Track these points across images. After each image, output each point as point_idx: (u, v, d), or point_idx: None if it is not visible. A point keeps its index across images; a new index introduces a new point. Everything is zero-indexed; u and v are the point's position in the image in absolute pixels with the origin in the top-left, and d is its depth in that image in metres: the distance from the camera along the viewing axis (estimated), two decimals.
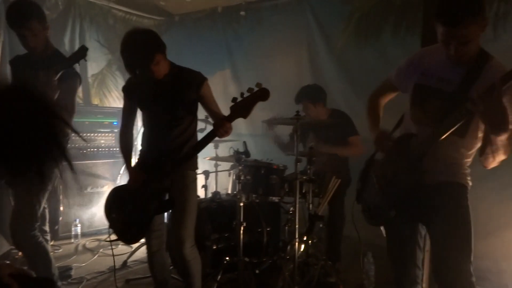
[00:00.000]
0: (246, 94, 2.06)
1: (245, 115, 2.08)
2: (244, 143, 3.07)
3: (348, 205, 3.39)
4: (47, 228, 2.78)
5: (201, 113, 2.47)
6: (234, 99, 2.09)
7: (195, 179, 2.41)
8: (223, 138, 3.43)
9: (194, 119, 2.42)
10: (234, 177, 3.35)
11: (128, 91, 2.42)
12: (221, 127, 2.11)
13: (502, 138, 1.63)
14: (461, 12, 1.57)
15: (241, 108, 2.07)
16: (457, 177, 1.86)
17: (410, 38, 3.77)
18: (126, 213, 2.32)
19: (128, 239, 2.36)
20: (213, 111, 2.36)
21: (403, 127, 2.01)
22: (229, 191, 3.96)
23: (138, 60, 2.10)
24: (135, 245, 3.62)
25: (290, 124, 3.04)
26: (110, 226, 2.36)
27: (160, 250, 2.48)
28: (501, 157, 1.72)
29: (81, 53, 2.29)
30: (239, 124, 4.88)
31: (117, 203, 2.38)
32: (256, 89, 2.05)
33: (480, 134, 1.80)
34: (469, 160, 1.89)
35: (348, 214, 3.38)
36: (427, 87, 1.82)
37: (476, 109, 1.57)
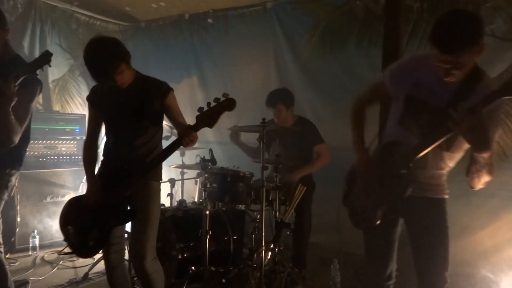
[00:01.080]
0: (212, 104, 2.05)
1: (211, 125, 2.07)
2: (210, 150, 3.05)
3: (316, 212, 3.44)
4: (0, 240, 2.65)
5: (167, 119, 2.44)
6: (200, 109, 2.07)
7: (158, 190, 2.37)
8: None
9: (159, 130, 2.40)
10: (200, 185, 3.32)
11: (92, 100, 2.39)
12: (186, 136, 2.08)
13: (484, 156, 1.62)
14: (458, 40, 1.51)
15: (207, 117, 2.06)
16: (441, 193, 1.90)
17: (373, 50, 3.89)
18: (82, 226, 2.25)
19: (84, 253, 2.28)
20: (178, 122, 2.33)
21: (385, 131, 1.98)
22: (196, 199, 3.93)
23: (101, 70, 2.07)
24: (97, 256, 3.49)
25: (255, 131, 3.06)
26: (65, 239, 2.28)
27: (120, 264, 2.41)
28: (485, 177, 1.70)
29: (45, 59, 2.20)
30: (206, 131, 4.74)
31: (73, 214, 2.30)
32: (222, 99, 2.04)
33: (467, 146, 1.78)
34: (448, 171, 1.91)
35: (316, 221, 3.43)
36: (418, 100, 1.79)
37: (456, 127, 1.55)
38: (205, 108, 2.06)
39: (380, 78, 1.93)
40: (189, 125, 2.12)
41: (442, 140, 1.68)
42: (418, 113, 1.80)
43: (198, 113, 2.08)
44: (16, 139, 2.28)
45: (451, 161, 1.88)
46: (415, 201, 1.86)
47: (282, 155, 3.20)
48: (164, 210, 3.25)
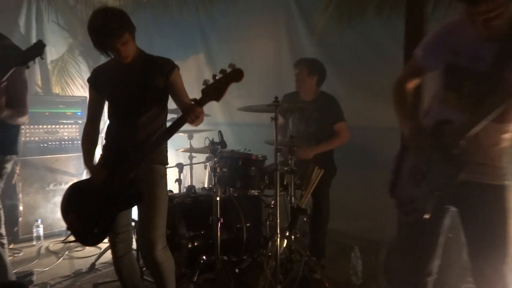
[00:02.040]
0: (218, 76, 2.04)
1: (217, 98, 2.06)
2: (220, 132, 3.03)
3: (335, 196, 3.42)
4: (3, 230, 2.68)
5: (172, 103, 2.42)
6: (205, 82, 2.07)
7: (164, 174, 2.37)
8: (198, 128, 3.42)
9: (164, 110, 2.39)
10: (210, 169, 3.31)
11: (93, 82, 2.40)
12: (192, 112, 2.08)
13: None
14: None
15: (213, 90, 2.05)
16: (501, 179, 1.77)
17: (394, 19, 3.76)
18: (85, 212, 2.24)
19: (88, 241, 2.30)
20: (182, 102, 2.33)
21: (430, 114, 1.91)
22: (205, 185, 3.94)
23: (106, 36, 2.13)
24: (104, 246, 3.53)
25: (267, 111, 3.02)
26: (68, 228, 2.29)
27: (127, 254, 2.42)
28: None
29: (37, 50, 2.18)
30: (215, 112, 4.90)
31: (75, 201, 2.30)
32: (229, 70, 2.03)
33: None
34: (507, 146, 1.80)
35: (334, 206, 3.41)
36: (459, 68, 1.72)
37: None
38: (211, 81, 2.06)
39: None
40: (194, 99, 2.11)
41: (496, 111, 1.59)
42: (462, 84, 1.72)
43: (204, 86, 2.07)
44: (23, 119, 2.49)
45: (506, 134, 1.77)
46: (470, 187, 1.76)
47: (300, 133, 3.18)
48: (172, 196, 3.26)
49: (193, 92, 2.37)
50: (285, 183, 3.05)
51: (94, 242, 2.29)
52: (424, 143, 1.80)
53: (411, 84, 2.00)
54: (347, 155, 3.62)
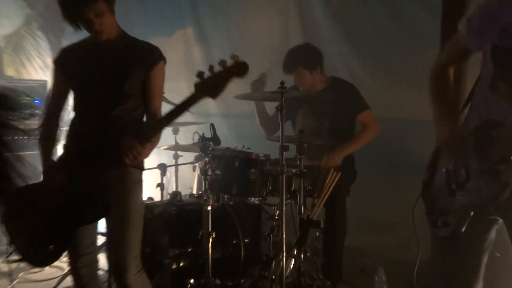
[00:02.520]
0: (217, 69, 2.04)
1: (214, 95, 2.07)
2: (212, 126, 3.01)
3: (353, 206, 3.43)
4: None
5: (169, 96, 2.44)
6: (200, 74, 2.06)
7: (140, 180, 2.38)
8: (185, 120, 3.43)
9: (142, 104, 2.41)
10: (199, 172, 3.30)
11: (61, 64, 2.42)
12: (128, 148, 2.11)
13: None
14: None
15: (210, 86, 2.05)
16: None
17: None
18: (36, 225, 2.22)
19: (38, 261, 2.29)
20: (149, 107, 2.36)
21: (476, 107, 1.89)
22: (194, 191, 3.92)
23: (76, 3, 2.14)
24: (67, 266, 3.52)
25: (272, 100, 3.01)
26: (11, 242, 2.25)
27: (93, 281, 2.42)
28: None
29: None
30: (206, 101, 4.86)
31: (21, 209, 2.25)
32: (231, 62, 2.02)
33: None
34: None
35: (353, 218, 3.41)
36: (509, 51, 1.70)
37: None
38: (207, 74, 2.06)
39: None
40: (159, 121, 2.19)
41: None
42: None
43: (197, 79, 2.06)
44: None
45: None
46: None
47: (311, 129, 3.19)
48: (152, 205, 3.24)
49: (180, 75, 2.38)
50: (292, 189, 3.04)
51: (45, 263, 2.28)
52: (465, 151, 1.81)
53: (453, 70, 2.02)
54: (369, 154, 3.61)
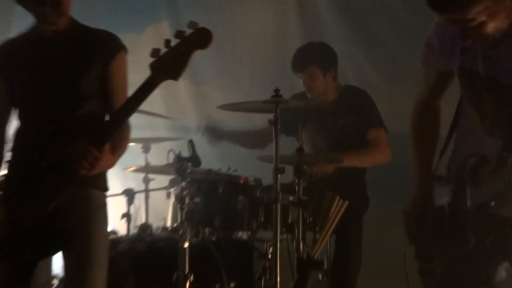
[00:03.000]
0: (174, 42, 2.04)
1: (176, 75, 2.05)
2: (191, 143, 3.02)
3: (365, 241, 3.45)
4: None
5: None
6: (154, 52, 2.05)
7: (104, 205, 2.37)
8: (157, 135, 3.42)
9: (103, 108, 2.42)
10: (175, 199, 3.30)
11: (1, 65, 2.40)
12: (82, 154, 2.08)
13: None
14: None
15: (169, 63, 2.05)
16: None
17: None
18: None
19: None
20: (113, 105, 2.35)
21: (459, 136, 2.03)
22: (168, 223, 3.91)
23: None
24: None
25: (264, 111, 3.02)
26: None
27: None
28: None
29: None
30: (184, 112, 4.90)
31: None
32: (189, 31, 2.02)
33: None
34: None
35: (366, 257, 3.41)
36: (474, 74, 1.84)
37: None
38: (163, 51, 2.06)
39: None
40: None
41: None
42: (482, 94, 1.81)
43: (152, 59, 2.07)
44: None
45: None
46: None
47: (316, 149, 3.27)
48: (116, 240, 3.23)
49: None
50: (289, 221, 3.04)
51: None
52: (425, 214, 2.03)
53: (438, 102, 2.13)
54: (384, 178, 3.63)
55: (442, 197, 2.08)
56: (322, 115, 3.52)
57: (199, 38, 2.04)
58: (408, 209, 2.19)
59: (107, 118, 2.42)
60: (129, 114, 2.15)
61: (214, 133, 3.72)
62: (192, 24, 2.03)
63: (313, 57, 3.53)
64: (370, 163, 3.47)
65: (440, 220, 2.01)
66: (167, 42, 2.04)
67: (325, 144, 3.52)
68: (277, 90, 2.87)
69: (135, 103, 2.12)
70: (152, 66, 2.08)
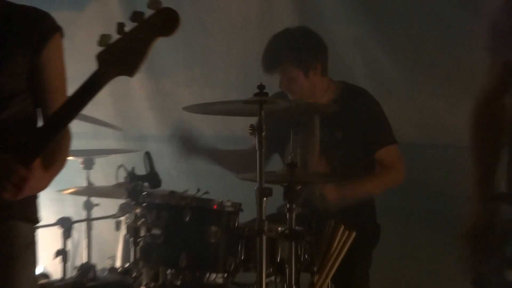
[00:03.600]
0: (130, 27, 1.99)
1: (130, 69, 2.02)
2: (148, 156, 3.01)
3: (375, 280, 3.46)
4: None
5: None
6: (102, 40, 2.02)
7: (31, 243, 2.35)
8: (103, 146, 3.39)
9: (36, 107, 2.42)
10: (126, 231, 3.28)
11: None
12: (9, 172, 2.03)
13: None
14: None
15: (121, 54, 2.03)
16: None
17: None
18: None
19: None
20: (51, 107, 2.33)
21: None
22: (118, 263, 3.88)
23: None
24: None
25: (245, 114, 3.03)
26: None
27: None
28: None
29: None
30: (138, 113, 4.95)
31: None
32: (149, 12, 1.98)
33: None
34: None
35: None
36: None
37: None
38: (114, 37, 2.02)
39: None
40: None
41: None
42: None
43: (101, 48, 2.03)
44: None
45: None
46: None
47: (309, 166, 3.22)
48: (49, 285, 3.18)
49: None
50: (278, 260, 3.05)
51: None
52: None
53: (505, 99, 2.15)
54: (396, 199, 3.64)
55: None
56: (310, 122, 3.51)
57: (163, 21, 2.00)
58: (466, 230, 2.21)
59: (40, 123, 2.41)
60: (68, 120, 2.12)
61: (190, 146, 3.71)
62: (153, 3, 1.99)
63: (287, 51, 3.53)
64: (381, 189, 3.52)
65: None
66: (120, 26, 2.01)
67: (322, 162, 3.51)
68: (261, 87, 2.87)
69: (76, 106, 2.09)
70: (100, 58, 2.05)
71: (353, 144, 3.49)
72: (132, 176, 3.03)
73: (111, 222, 4.00)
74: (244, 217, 3.23)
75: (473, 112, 2.19)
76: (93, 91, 2.05)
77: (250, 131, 2.88)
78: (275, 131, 3.40)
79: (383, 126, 3.52)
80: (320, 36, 3.62)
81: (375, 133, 3.49)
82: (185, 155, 3.75)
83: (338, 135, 3.48)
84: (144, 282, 2.96)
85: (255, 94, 2.85)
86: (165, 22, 2.01)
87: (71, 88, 2.34)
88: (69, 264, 3.84)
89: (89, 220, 4.16)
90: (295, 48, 3.55)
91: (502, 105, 2.16)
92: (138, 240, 2.98)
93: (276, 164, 3.64)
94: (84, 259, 3.97)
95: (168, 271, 3.10)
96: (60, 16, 2.60)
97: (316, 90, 3.55)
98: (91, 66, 2.37)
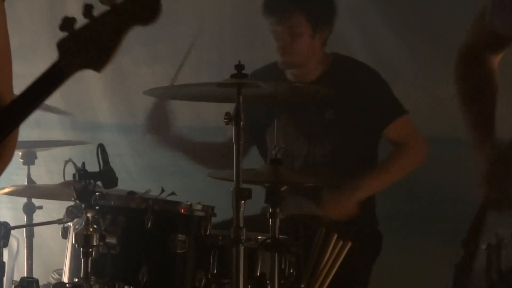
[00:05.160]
0: (101, 11, 1.96)
1: (99, 64, 1.97)
2: (101, 148, 3.02)
3: None
4: None
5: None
6: (66, 23, 2.01)
7: None
8: (47, 137, 3.38)
9: None
10: (74, 240, 3.27)
11: None
12: None
13: None
14: None
15: (87, 44, 2.02)
16: None
17: None
18: None
19: None
20: None
21: None
22: (65, 278, 3.88)
23: None
24: None
25: (220, 100, 3.04)
26: None
27: None
28: None
29: None
30: (90, 97, 4.94)
31: None
32: None
33: None
34: None
35: None
36: None
37: None
38: (80, 23, 2.00)
39: None
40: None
41: None
42: None
43: (63, 34, 2.04)
44: None
45: None
46: None
47: (297, 157, 3.31)
48: None
49: (41, 50, 2.33)
50: (258, 274, 3.06)
51: None
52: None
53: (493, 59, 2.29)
54: (399, 202, 3.67)
55: None
56: (298, 106, 3.56)
57: (140, 6, 1.98)
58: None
59: None
60: (14, 124, 2.11)
61: (165, 132, 3.71)
62: None
63: (301, 2, 3.57)
64: (404, 173, 3.55)
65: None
66: (88, 9, 1.97)
67: (311, 150, 3.57)
68: (239, 67, 2.87)
69: (27, 107, 2.08)
70: (61, 47, 2.02)
71: (350, 124, 3.53)
72: (82, 173, 3.02)
73: (57, 229, 3.99)
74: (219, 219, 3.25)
75: (457, 61, 2.38)
76: (50, 87, 2.03)
77: (226, 120, 2.88)
78: (254, 119, 3.41)
79: (387, 97, 3.56)
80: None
81: (379, 106, 3.54)
82: (161, 143, 3.76)
83: (328, 115, 3.51)
84: None
85: (232, 76, 2.85)
86: (143, 6, 2.00)
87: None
88: (6, 278, 3.82)
89: (30, 226, 4.14)
90: (312, 3, 3.60)
91: (492, 61, 2.33)
92: (89, 250, 2.97)
93: (255, 159, 3.64)
94: (24, 273, 3.95)
95: None
96: None
97: (312, 59, 3.61)
98: (34, 44, 2.36)
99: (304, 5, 3.54)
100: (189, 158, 3.80)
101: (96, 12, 1.96)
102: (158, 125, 3.70)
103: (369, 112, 3.52)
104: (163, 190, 3.25)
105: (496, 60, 2.35)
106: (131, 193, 3.24)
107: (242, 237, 2.84)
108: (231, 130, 2.90)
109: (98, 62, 2.00)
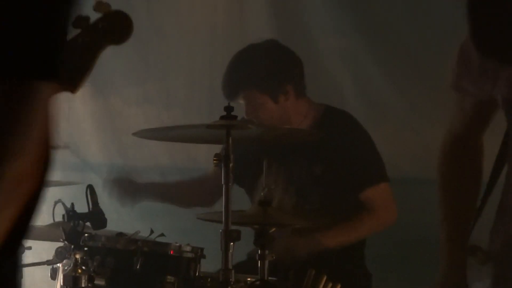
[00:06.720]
0: (72, 32, 2.00)
1: (72, 84, 1.98)
2: (90, 189, 3.02)
3: None
4: None
5: None
6: None
7: None
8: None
9: None
10: (62, 282, 3.26)
11: None
12: None
13: None
14: None
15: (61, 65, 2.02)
16: None
17: None
18: None
19: None
20: None
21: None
22: None
23: None
24: None
25: (209, 141, 3.05)
26: None
27: None
28: None
29: None
30: (80, 139, 4.93)
31: None
32: (96, 16, 1.99)
33: None
34: None
35: None
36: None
37: None
38: None
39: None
40: None
41: None
42: None
43: None
44: None
45: None
46: None
47: (285, 206, 3.25)
48: None
49: None
50: None
51: None
52: None
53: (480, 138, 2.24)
54: (392, 248, 3.67)
55: (479, 282, 2.17)
56: (290, 157, 3.55)
57: (112, 27, 2.02)
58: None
59: None
60: None
61: (128, 188, 3.72)
62: (100, 6, 2.00)
63: (250, 74, 3.54)
64: (367, 234, 3.54)
65: None
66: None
67: (300, 202, 3.55)
68: (229, 108, 2.87)
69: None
70: None
71: (335, 181, 3.50)
72: (71, 214, 3.02)
73: (46, 270, 3.98)
74: (207, 265, 3.24)
75: (442, 150, 2.26)
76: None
77: (215, 162, 2.88)
78: (240, 160, 3.41)
79: (371, 159, 3.54)
80: (292, 51, 3.64)
81: (361, 168, 3.51)
82: (127, 202, 3.75)
83: (317, 171, 3.49)
84: None
85: (222, 117, 2.85)
86: (115, 27, 2.02)
87: None
88: None
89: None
90: (259, 70, 3.55)
91: (479, 144, 2.24)
92: None
93: (239, 199, 3.64)
94: None
95: None
96: None
97: (291, 116, 3.57)
98: None
99: (253, 79, 3.54)
100: (171, 203, 3.79)
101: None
102: (122, 196, 3.72)
103: (352, 171, 3.52)
104: (152, 231, 3.25)
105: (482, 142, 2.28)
106: (120, 234, 3.22)
107: (231, 279, 2.83)
108: (212, 167, 2.90)
109: (72, 84, 2.00)
